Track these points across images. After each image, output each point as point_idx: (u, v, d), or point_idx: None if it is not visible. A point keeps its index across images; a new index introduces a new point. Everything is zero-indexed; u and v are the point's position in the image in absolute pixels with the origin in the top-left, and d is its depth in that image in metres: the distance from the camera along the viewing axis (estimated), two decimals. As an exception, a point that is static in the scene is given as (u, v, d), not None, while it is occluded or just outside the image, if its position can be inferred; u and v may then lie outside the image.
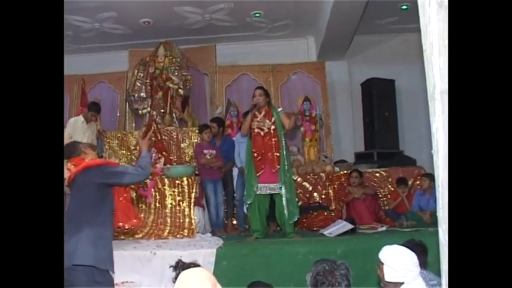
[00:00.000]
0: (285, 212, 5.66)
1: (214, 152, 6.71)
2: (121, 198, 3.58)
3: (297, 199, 6.14)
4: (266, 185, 5.69)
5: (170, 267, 2.31)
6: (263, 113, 5.83)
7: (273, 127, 5.77)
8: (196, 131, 7.76)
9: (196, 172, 6.84)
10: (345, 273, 2.26)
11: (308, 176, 7.42)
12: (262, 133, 5.79)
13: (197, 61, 9.29)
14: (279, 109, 5.98)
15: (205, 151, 6.73)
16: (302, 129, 8.02)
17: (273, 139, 5.75)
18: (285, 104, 9.04)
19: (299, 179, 7.38)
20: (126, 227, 3.79)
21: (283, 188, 5.66)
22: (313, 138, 8.01)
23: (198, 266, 2.25)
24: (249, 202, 5.78)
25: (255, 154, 5.75)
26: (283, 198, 5.66)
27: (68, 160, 3.42)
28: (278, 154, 5.70)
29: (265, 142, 5.76)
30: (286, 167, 5.72)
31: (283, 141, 5.81)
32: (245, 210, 6.61)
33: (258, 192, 5.69)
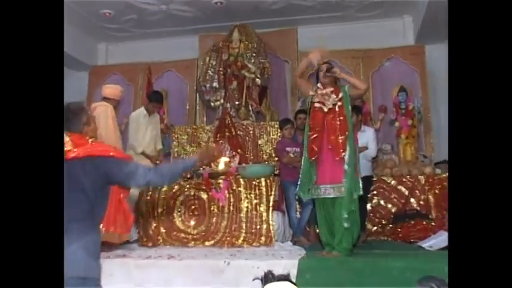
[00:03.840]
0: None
1: (298, 149, 6.67)
2: (121, 196, 3.25)
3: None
4: (332, 185, 5.25)
5: (254, 279, 2.28)
6: (332, 89, 5.45)
7: (339, 103, 5.37)
8: (276, 126, 7.85)
9: (276, 172, 6.89)
10: None
11: (404, 179, 7.36)
12: (325, 109, 5.40)
13: (276, 46, 9.38)
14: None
15: (288, 148, 6.78)
16: (397, 124, 7.92)
17: (339, 118, 5.33)
18: (378, 94, 9.06)
19: (393, 182, 7.36)
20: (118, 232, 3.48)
21: (346, 188, 5.15)
22: (410, 135, 7.89)
23: (289, 279, 2.23)
24: (303, 196, 5.49)
25: (311, 133, 5.43)
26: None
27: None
28: (343, 137, 5.24)
29: (327, 121, 5.36)
30: (352, 161, 5.22)
31: (352, 126, 5.37)
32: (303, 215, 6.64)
33: (322, 196, 5.31)
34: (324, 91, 5.45)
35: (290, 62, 9.50)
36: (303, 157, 5.56)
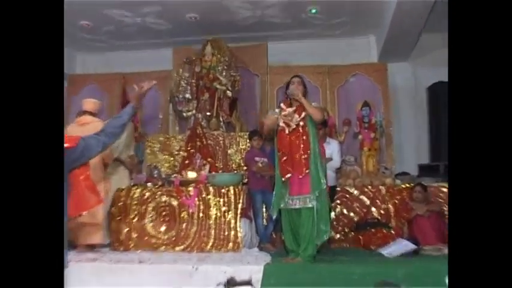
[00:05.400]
0: (313, 228, 5.24)
1: (266, 160, 6.75)
2: (81, 177, 3.37)
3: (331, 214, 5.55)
4: (298, 196, 5.35)
5: (218, 285, 2.28)
6: (294, 108, 5.49)
7: (301, 123, 5.42)
8: (245, 137, 7.85)
9: (244, 181, 6.91)
10: None
11: (366, 189, 7.40)
12: (287, 130, 5.45)
13: (247, 60, 9.36)
14: (313, 103, 5.57)
15: (257, 158, 6.82)
16: (360, 137, 7.92)
17: (302, 137, 5.39)
18: (342, 108, 9.10)
19: (356, 192, 7.39)
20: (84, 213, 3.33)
21: (314, 200, 5.25)
22: (372, 148, 7.89)
23: (251, 284, 2.22)
24: (274, 213, 5.60)
25: (280, 154, 5.48)
26: (314, 212, 5.23)
27: None
28: (306, 156, 5.33)
29: (291, 140, 5.42)
30: (316, 174, 5.31)
31: (315, 142, 5.44)
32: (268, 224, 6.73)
33: (289, 207, 5.40)
34: (287, 111, 5.47)
35: (260, 75, 9.48)
36: (275, 176, 5.60)
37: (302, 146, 5.35)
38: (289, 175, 5.37)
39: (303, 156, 5.32)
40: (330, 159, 6.62)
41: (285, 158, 5.41)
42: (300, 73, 8.25)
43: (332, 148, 6.86)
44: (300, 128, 5.41)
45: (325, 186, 5.37)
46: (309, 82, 8.66)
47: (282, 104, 5.64)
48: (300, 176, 5.31)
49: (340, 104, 9.19)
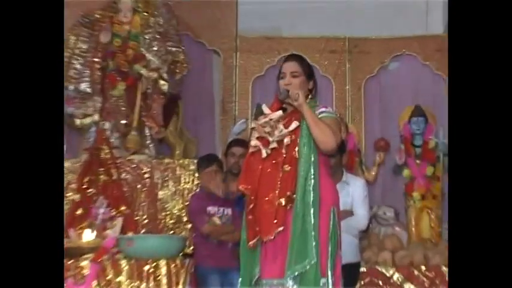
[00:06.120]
0: None
1: (229, 210, 6.72)
2: None
3: None
4: (278, 281, 4.94)
5: None
6: (279, 114, 5.13)
7: (287, 140, 5.02)
8: (192, 167, 7.81)
9: (188, 251, 6.90)
10: None
11: (416, 272, 7.34)
12: (265, 152, 5.07)
13: (198, 25, 9.33)
14: (321, 110, 5.20)
15: (210, 209, 6.72)
16: (407, 173, 7.93)
17: (283, 167, 5.00)
18: (373, 119, 9.12)
19: (396, 276, 7.33)
20: None
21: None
22: (428, 194, 7.90)
23: None
24: None
25: (248, 197, 5.17)
26: None
27: None
28: (283, 201, 4.91)
29: (265, 171, 5.10)
30: (302, 237, 4.88)
31: (310, 178, 4.97)
32: None
33: None
34: (268, 117, 5.15)
35: (222, 53, 9.45)
36: (241, 241, 5.31)
37: (280, 182, 5.00)
38: (256, 239, 5.06)
39: (277, 201, 4.97)
40: (350, 212, 6.66)
41: (252, 205, 5.12)
42: (299, 52, 7.70)
43: (353, 192, 6.85)
44: (284, 150, 5.06)
45: (313, 262, 4.90)
46: (316, 69, 8.49)
47: (264, 107, 5.35)
48: (265, 239, 4.99)
49: (369, 110, 9.19)
